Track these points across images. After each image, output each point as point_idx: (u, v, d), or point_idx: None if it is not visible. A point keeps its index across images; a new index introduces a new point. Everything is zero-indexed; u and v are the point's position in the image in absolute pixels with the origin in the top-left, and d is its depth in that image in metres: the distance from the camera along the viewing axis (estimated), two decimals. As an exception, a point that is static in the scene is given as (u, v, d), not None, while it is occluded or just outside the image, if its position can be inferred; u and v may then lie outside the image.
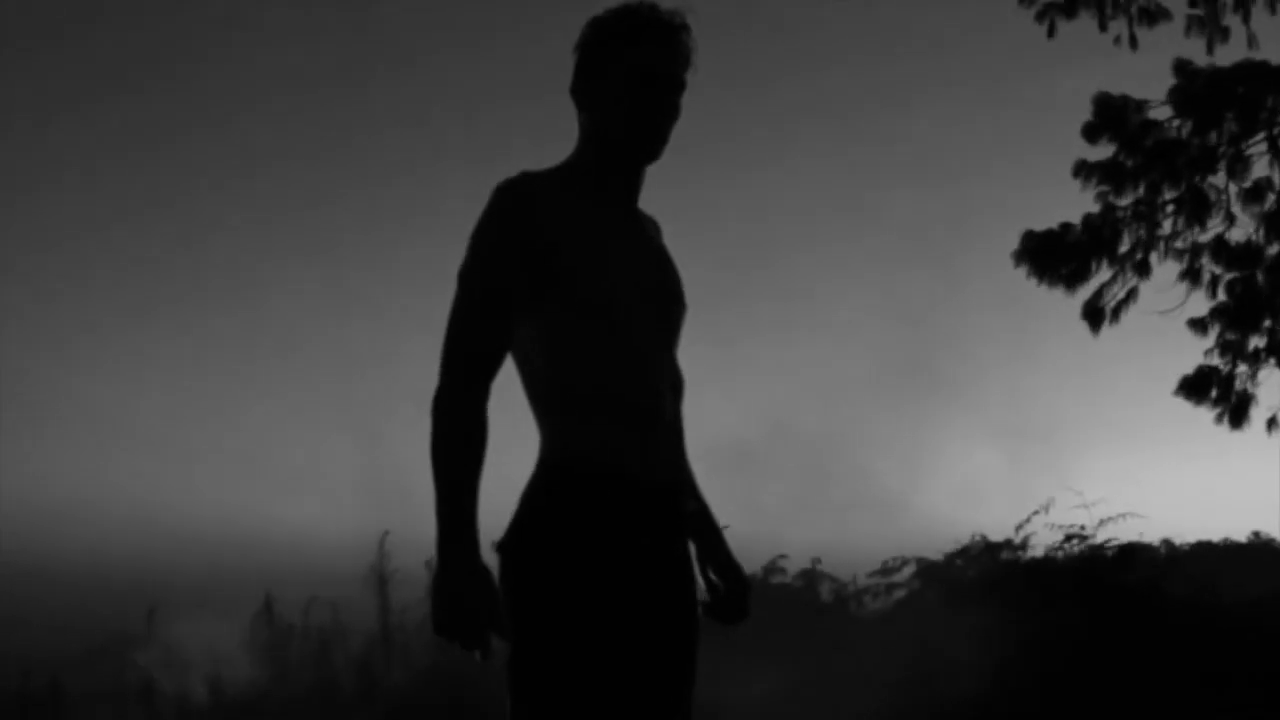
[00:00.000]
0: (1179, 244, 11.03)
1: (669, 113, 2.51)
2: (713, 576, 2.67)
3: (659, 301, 2.54)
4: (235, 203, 16.56)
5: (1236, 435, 11.00)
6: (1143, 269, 11.09)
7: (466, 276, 2.40)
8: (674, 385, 2.56)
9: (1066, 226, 11.12)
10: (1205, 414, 11.07)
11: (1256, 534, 12.72)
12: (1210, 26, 10.36)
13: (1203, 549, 11.69)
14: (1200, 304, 11.08)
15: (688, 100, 2.53)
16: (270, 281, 16.29)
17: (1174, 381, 11.09)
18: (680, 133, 2.52)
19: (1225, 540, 11.85)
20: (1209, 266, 10.99)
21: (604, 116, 2.49)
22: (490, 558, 2.36)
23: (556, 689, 2.32)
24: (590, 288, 2.42)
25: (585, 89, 2.52)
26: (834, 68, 16.46)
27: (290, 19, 16.94)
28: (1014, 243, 11.11)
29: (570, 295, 2.41)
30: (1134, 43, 10.46)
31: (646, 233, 2.60)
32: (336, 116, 16.85)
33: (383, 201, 16.51)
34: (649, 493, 2.45)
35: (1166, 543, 10.87)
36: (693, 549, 2.62)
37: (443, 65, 15.52)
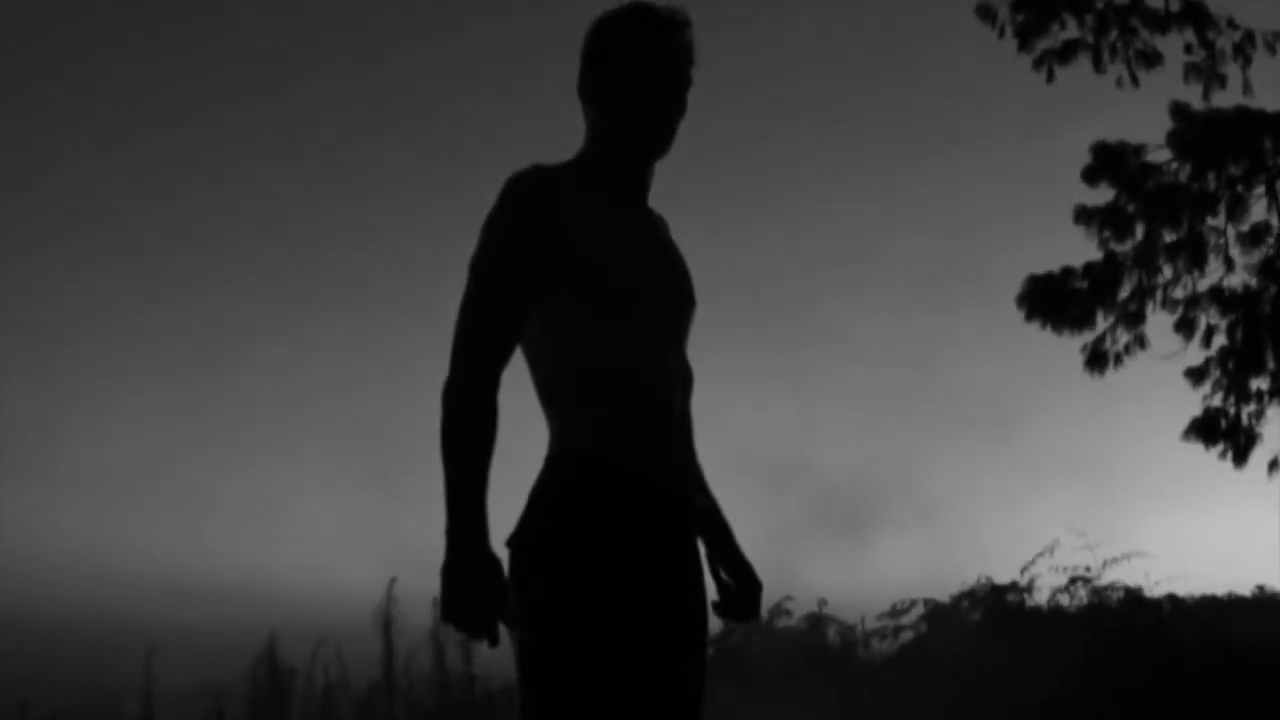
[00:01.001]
0: (1177, 293, 11.10)
1: (675, 107, 2.54)
2: (723, 575, 2.66)
3: (670, 295, 2.55)
4: (242, 255, 16.61)
5: (1238, 485, 11.02)
6: (1138, 318, 11.14)
7: (478, 266, 2.40)
8: (684, 379, 2.56)
9: (1068, 271, 11.18)
10: (1209, 462, 11.10)
11: (1261, 588, 12.65)
12: (1207, 74, 10.45)
13: (1207, 603, 11.61)
14: (1202, 350, 11.13)
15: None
16: (273, 332, 16.29)
17: (1175, 426, 11.15)
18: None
19: (1230, 594, 11.77)
20: (1205, 317, 11.04)
21: (611, 112, 2.52)
22: (500, 551, 2.35)
23: (568, 683, 2.32)
24: (603, 279, 2.43)
25: (592, 87, 2.55)
26: (845, 121, 16.59)
27: (306, 67, 17.06)
28: (1018, 288, 11.18)
29: (583, 286, 2.42)
30: (1135, 81, 10.53)
31: (657, 228, 2.62)
32: (352, 167, 16.93)
33: (391, 255, 16.56)
34: (660, 486, 2.45)
35: (1171, 597, 10.81)
36: (702, 547, 2.61)
37: (461, 121, 15.62)
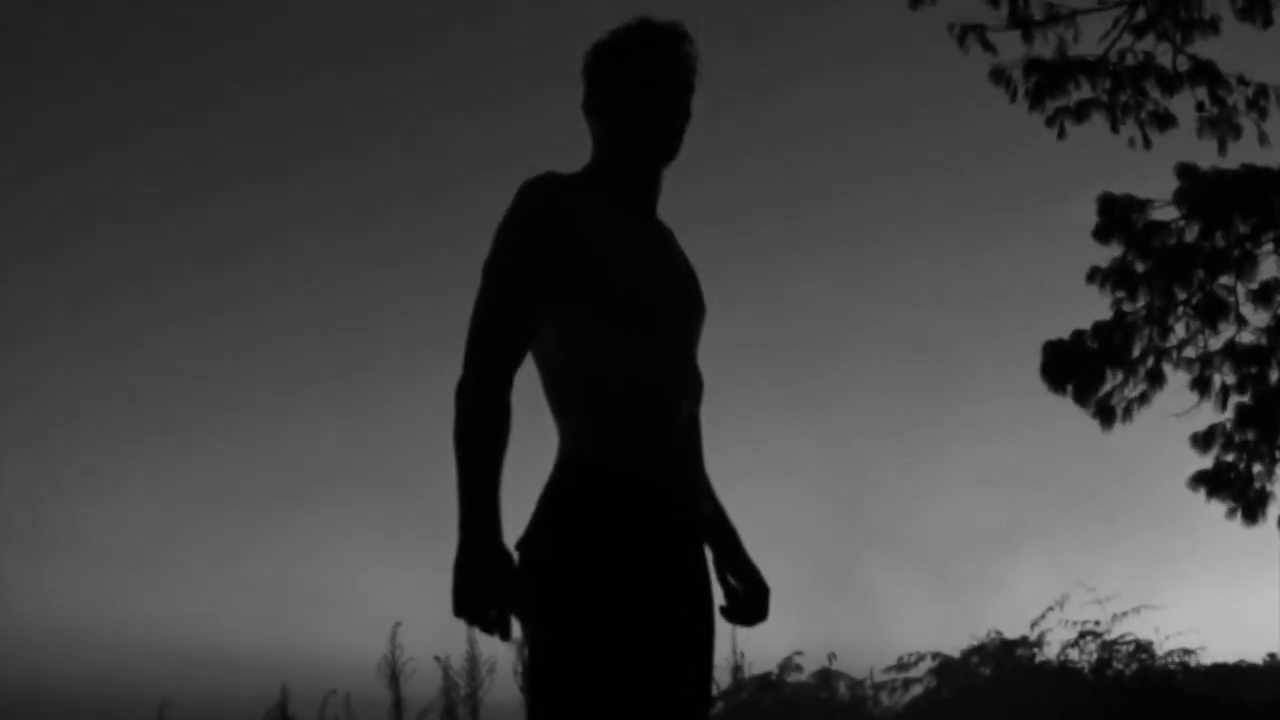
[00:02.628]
0: (1190, 352, 11.12)
1: (680, 112, 2.59)
2: (731, 580, 2.66)
3: (680, 303, 2.58)
4: (250, 328, 16.68)
5: (1248, 549, 10.98)
6: (1155, 377, 11.16)
7: (491, 270, 2.44)
8: (693, 386, 2.59)
9: (1080, 334, 11.21)
10: (1220, 520, 11.06)
11: (1273, 655, 12.54)
12: (1222, 129, 10.53)
13: (1221, 670, 11.51)
14: (1212, 407, 11.13)
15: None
16: (273, 401, 16.35)
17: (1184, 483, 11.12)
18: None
19: (1240, 662, 11.67)
20: (1220, 375, 11.05)
21: (620, 121, 2.57)
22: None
23: (578, 688, 2.32)
24: (615, 285, 2.46)
25: (599, 101, 2.60)
26: (851, 193, 16.72)
27: (318, 134, 17.25)
28: (1022, 345, 11.23)
29: (595, 292, 2.45)
30: (1147, 143, 10.61)
31: (666, 236, 2.66)
32: (365, 235, 17.04)
33: (389, 330, 16.67)
34: (666, 490, 2.48)
35: (1183, 665, 10.74)
36: (709, 552, 2.62)
37: (474, 185, 15.78)
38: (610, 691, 2.33)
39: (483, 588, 2.26)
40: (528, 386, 2.49)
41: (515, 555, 2.36)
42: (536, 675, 2.37)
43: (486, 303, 2.43)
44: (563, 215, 2.46)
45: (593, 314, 2.46)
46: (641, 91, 2.56)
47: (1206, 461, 11.07)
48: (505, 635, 2.31)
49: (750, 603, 2.67)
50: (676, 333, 2.55)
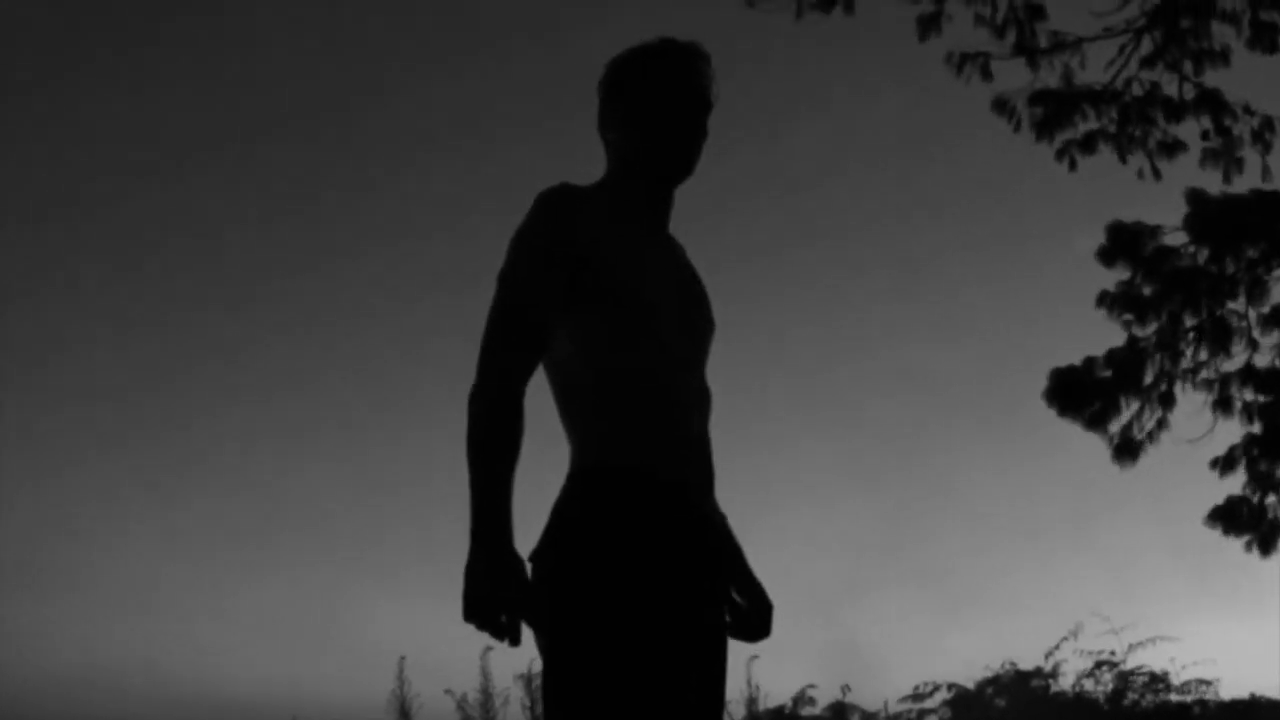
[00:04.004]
0: (1206, 374, 11.08)
1: (698, 130, 2.61)
2: (735, 595, 2.66)
3: (690, 318, 2.60)
4: (252, 366, 16.70)
5: (1265, 579, 10.92)
6: (1168, 401, 11.12)
7: (507, 279, 2.46)
8: (702, 400, 2.59)
9: (1091, 361, 11.20)
10: (1235, 549, 11.00)
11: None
12: (1226, 159, 10.53)
13: (1239, 704, 11.43)
14: (1227, 433, 11.10)
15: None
16: (274, 444, 16.37)
17: (1201, 512, 11.07)
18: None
19: (1254, 695, 11.59)
20: (1240, 395, 11.00)
21: (636, 137, 2.59)
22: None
23: (594, 698, 2.32)
24: (627, 297, 2.48)
25: (615, 118, 2.62)
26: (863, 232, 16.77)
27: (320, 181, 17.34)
28: (1033, 376, 11.22)
29: (608, 303, 2.47)
30: (1156, 173, 10.59)
31: (677, 252, 2.68)
32: (370, 275, 17.09)
33: (385, 383, 16.70)
34: (681, 492, 2.48)
35: (1199, 699, 10.67)
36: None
37: (475, 224, 15.86)
38: (624, 698, 2.32)
39: (492, 592, 2.27)
40: (539, 397, 2.50)
41: (529, 566, 2.36)
42: (552, 684, 2.37)
43: (501, 311, 2.45)
44: (578, 226, 2.47)
45: (604, 325, 2.48)
46: (660, 108, 2.59)
47: (1224, 487, 11.03)
48: (515, 641, 2.31)
49: (755, 619, 2.66)
50: (686, 346, 2.57)
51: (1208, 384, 11.04)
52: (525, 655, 11.11)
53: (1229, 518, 10.93)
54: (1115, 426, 11.10)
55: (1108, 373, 11.10)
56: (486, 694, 10.89)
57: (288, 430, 16.46)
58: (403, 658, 10.81)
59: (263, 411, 16.61)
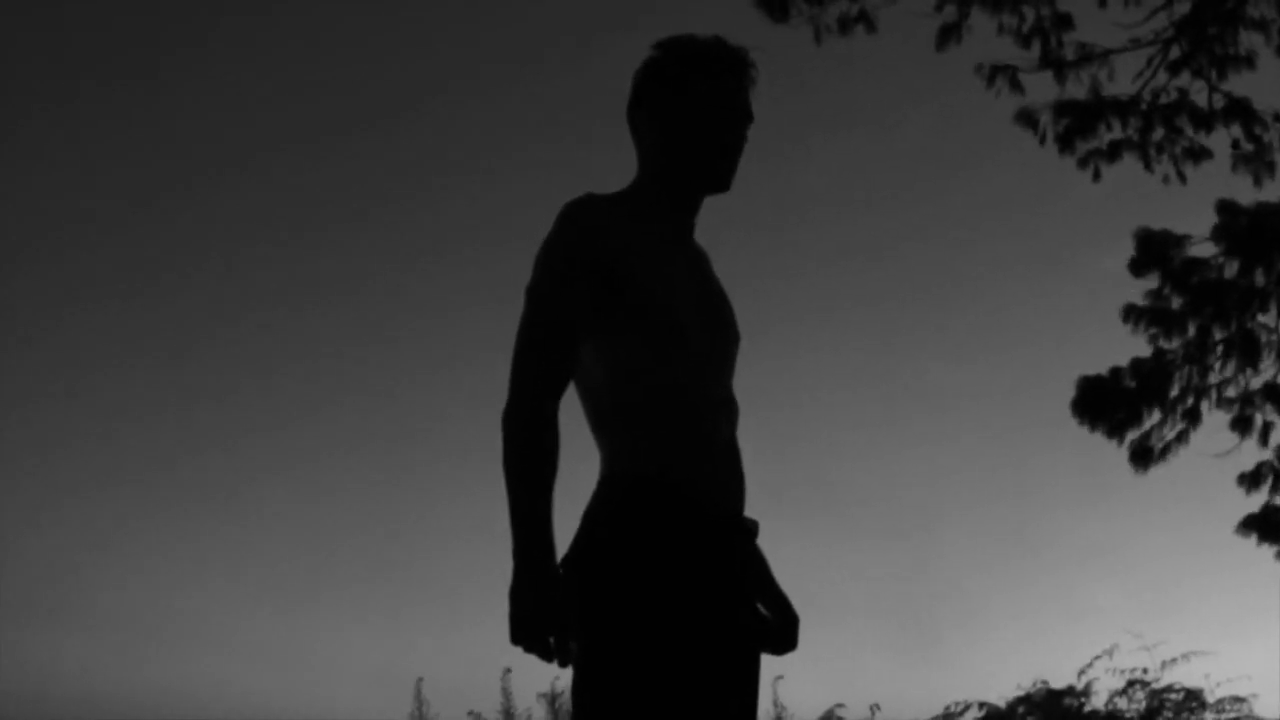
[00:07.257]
0: (1230, 391, 10.99)
1: (739, 144, 2.54)
2: (761, 608, 2.62)
3: (717, 328, 2.56)
4: (263, 396, 16.69)
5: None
6: (1193, 416, 11.02)
7: (534, 294, 2.42)
8: (729, 410, 2.56)
9: (1117, 371, 11.10)
10: (1269, 561, 10.89)
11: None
12: (1256, 165, 10.41)
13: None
14: (1257, 448, 11.00)
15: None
16: (288, 471, 16.34)
17: (1230, 527, 10.98)
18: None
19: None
20: (1261, 414, 10.90)
21: (673, 144, 2.52)
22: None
23: (625, 708, 2.29)
24: (656, 309, 2.44)
25: (652, 117, 2.53)
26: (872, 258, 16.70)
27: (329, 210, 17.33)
28: (1058, 395, 11.15)
29: (636, 315, 2.43)
30: (1182, 178, 10.47)
31: (703, 262, 2.63)
32: (385, 301, 17.09)
33: (405, 402, 16.68)
34: (707, 505, 2.44)
35: (1235, 717, 10.54)
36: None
37: (491, 247, 15.83)
38: (654, 707, 2.30)
39: (539, 613, 2.25)
40: (569, 407, 2.47)
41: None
42: (583, 691, 2.34)
43: (530, 327, 2.42)
44: (604, 239, 2.43)
45: (631, 334, 2.44)
46: (711, 116, 2.51)
47: (1257, 500, 10.92)
48: (565, 661, 2.30)
49: (780, 632, 2.63)
50: (712, 356, 2.53)
51: (1229, 403, 10.94)
52: (547, 674, 11.03)
53: (1262, 526, 10.81)
54: (1135, 434, 11.01)
55: (1133, 383, 11.00)
56: (509, 714, 10.82)
57: (303, 455, 16.47)
58: (420, 679, 10.75)
59: (278, 437, 16.61)
